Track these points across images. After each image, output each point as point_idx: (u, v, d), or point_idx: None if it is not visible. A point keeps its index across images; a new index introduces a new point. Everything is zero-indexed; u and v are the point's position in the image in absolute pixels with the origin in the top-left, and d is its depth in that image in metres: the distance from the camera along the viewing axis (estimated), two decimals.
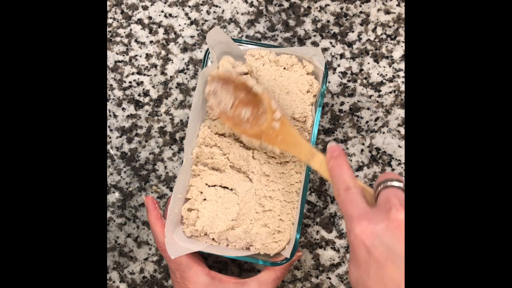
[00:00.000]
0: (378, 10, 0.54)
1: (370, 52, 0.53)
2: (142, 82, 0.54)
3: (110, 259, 0.54)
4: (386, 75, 0.53)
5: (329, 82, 0.53)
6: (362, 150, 0.53)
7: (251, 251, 0.46)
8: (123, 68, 0.54)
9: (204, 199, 0.47)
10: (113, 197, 0.54)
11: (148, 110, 0.54)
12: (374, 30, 0.54)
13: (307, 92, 0.47)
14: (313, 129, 0.45)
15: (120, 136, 0.54)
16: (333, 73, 0.53)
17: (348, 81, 0.53)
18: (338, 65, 0.54)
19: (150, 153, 0.54)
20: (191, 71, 0.54)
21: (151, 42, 0.55)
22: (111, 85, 0.54)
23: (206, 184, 0.47)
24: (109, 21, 0.55)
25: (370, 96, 0.53)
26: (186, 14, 0.55)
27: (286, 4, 0.54)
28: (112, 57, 0.55)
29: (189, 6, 0.55)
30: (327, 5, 0.54)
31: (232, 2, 0.54)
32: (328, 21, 0.54)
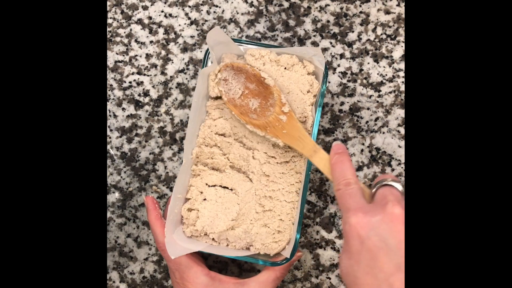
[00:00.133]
0: (378, 10, 0.54)
1: (370, 52, 0.53)
2: (142, 82, 0.54)
3: (110, 259, 0.54)
4: (386, 75, 0.53)
5: (329, 82, 0.53)
6: (362, 150, 0.53)
7: (251, 251, 0.46)
8: (123, 68, 0.54)
9: (204, 199, 0.47)
10: (113, 197, 0.54)
11: (148, 110, 0.54)
12: (374, 30, 0.54)
13: (308, 92, 0.47)
14: (313, 129, 0.45)
15: (120, 136, 0.54)
16: (333, 73, 0.53)
17: (348, 81, 0.53)
18: (338, 65, 0.54)
19: (150, 153, 0.54)
20: (191, 71, 0.54)
21: (151, 42, 0.55)
22: (111, 85, 0.54)
23: (206, 184, 0.47)
24: (109, 21, 0.55)
25: (370, 96, 0.53)
26: (186, 14, 0.55)
27: (286, 4, 0.54)
28: (112, 57, 0.55)
29: (189, 6, 0.55)
30: (327, 5, 0.54)
31: (232, 2, 0.54)
32: (328, 21, 0.54)
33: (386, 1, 0.54)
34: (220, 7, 0.55)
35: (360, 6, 0.54)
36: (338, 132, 0.53)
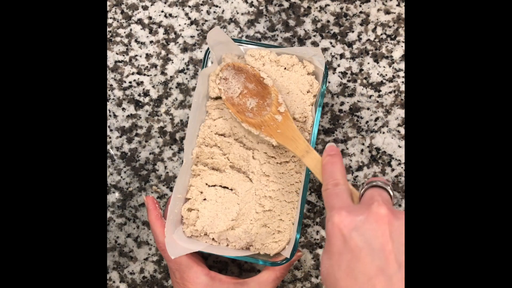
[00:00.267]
0: (378, 10, 0.54)
1: (370, 52, 0.53)
2: (142, 82, 0.54)
3: (110, 259, 0.54)
4: (386, 75, 0.53)
5: (329, 82, 0.53)
6: (362, 150, 0.53)
7: (251, 251, 0.46)
8: (123, 68, 0.54)
9: (204, 199, 0.47)
10: (113, 197, 0.54)
11: (148, 110, 0.54)
12: (374, 30, 0.54)
13: (307, 92, 0.47)
14: (313, 129, 0.45)
15: (120, 136, 0.54)
16: (333, 73, 0.53)
17: (348, 81, 0.53)
18: (338, 65, 0.54)
19: (150, 153, 0.54)
20: (191, 71, 0.54)
21: (151, 42, 0.55)
22: (111, 85, 0.54)
23: (206, 184, 0.47)
24: (109, 21, 0.55)
25: (370, 96, 0.53)
26: (186, 14, 0.55)
27: (286, 4, 0.54)
28: (112, 57, 0.55)
29: (189, 6, 0.55)
30: (327, 5, 0.54)
31: (232, 2, 0.54)
32: (328, 21, 0.54)
33: (386, 1, 0.54)
34: (220, 7, 0.55)
35: (360, 6, 0.54)
36: (338, 132, 0.53)
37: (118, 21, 0.55)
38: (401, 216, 0.34)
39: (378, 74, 0.53)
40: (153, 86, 0.54)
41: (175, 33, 0.55)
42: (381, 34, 0.54)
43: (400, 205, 0.53)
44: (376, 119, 0.53)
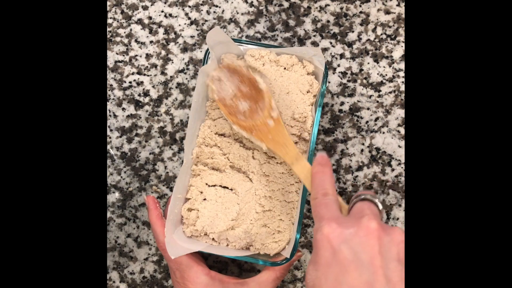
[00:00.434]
0: (378, 10, 0.54)
1: (370, 52, 0.53)
2: (142, 82, 0.54)
3: (110, 259, 0.54)
4: (386, 75, 0.53)
5: (329, 82, 0.53)
6: (362, 150, 0.53)
7: (251, 251, 0.46)
8: (123, 68, 0.54)
9: (204, 199, 0.47)
10: (113, 197, 0.54)
11: (148, 110, 0.54)
12: (374, 30, 0.54)
13: (307, 92, 0.47)
14: (313, 129, 0.45)
15: (120, 136, 0.54)
16: (333, 73, 0.53)
17: (348, 81, 0.53)
18: (338, 65, 0.54)
19: (150, 153, 0.54)
20: (191, 71, 0.54)
21: (151, 42, 0.55)
22: (111, 85, 0.54)
23: (206, 184, 0.47)
24: (109, 21, 0.55)
25: (370, 96, 0.53)
26: (186, 14, 0.55)
27: (286, 4, 0.54)
28: (112, 57, 0.55)
29: (189, 6, 0.55)
30: (327, 5, 0.54)
31: (232, 2, 0.54)
32: (328, 21, 0.54)
33: (386, 1, 0.54)
34: (220, 7, 0.55)
35: (360, 6, 0.54)
36: (338, 132, 0.53)
37: (118, 21, 0.55)
38: (391, 232, 0.33)
39: (378, 74, 0.53)
40: (153, 86, 0.54)
41: (175, 33, 0.55)
42: (381, 34, 0.54)
43: (400, 205, 0.53)
44: (376, 119, 0.53)
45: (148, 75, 0.54)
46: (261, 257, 0.46)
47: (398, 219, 0.53)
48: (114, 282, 0.54)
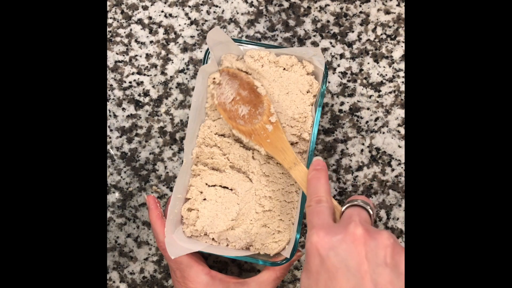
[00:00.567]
0: (378, 10, 0.54)
1: (370, 52, 0.53)
2: (142, 82, 0.54)
3: (110, 259, 0.54)
4: (386, 75, 0.53)
5: (329, 82, 0.53)
6: (362, 150, 0.53)
7: (251, 251, 0.46)
8: (123, 68, 0.54)
9: (204, 199, 0.47)
10: (113, 197, 0.54)
11: (148, 110, 0.54)
12: (374, 30, 0.54)
13: (307, 92, 0.47)
14: (313, 129, 0.45)
15: (120, 136, 0.54)
16: (333, 73, 0.53)
17: (348, 81, 0.53)
18: (338, 65, 0.54)
19: (150, 153, 0.54)
20: (191, 71, 0.54)
21: (151, 42, 0.55)
22: (111, 85, 0.54)
23: (206, 184, 0.47)
24: (109, 21, 0.55)
25: (370, 96, 0.53)
26: (186, 14, 0.55)
27: (286, 4, 0.54)
28: (112, 57, 0.55)
29: (189, 6, 0.55)
30: (327, 5, 0.54)
31: (232, 2, 0.54)
32: (328, 21, 0.54)
33: (386, 1, 0.54)
34: (220, 7, 0.55)
35: (360, 6, 0.54)
36: (338, 132, 0.53)
37: (118, 21, 0.55)
38: (377, 236, 0.34)
39: (378, 74, 0.53)
40: (153, 86, 0.54)
41: (175, 33, 0.55)
42: (381, 34, 0.54)
43: (400, 205, 0.53)
44: (376, 119, 0.53)
45: (148, 75, 0.54)
46: (261, 257, 0.46)
47: (398, 219, 0.53)
48: (114, 282, 0.54)
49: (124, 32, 0.55)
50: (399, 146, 0.53)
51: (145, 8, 0.55)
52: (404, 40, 0.53)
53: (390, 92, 0.53)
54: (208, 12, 0.55)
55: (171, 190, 0.54)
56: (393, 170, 0.53)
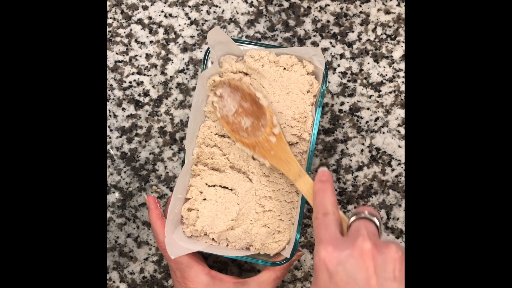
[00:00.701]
0: (378, 10, 0.54)
1: (370, 52, 0.53)
2: (142, 82, 0.54)
3: (110, 259, 0.54)
4: (386, 75, 0.53)
5: (329, 82, 0.53)
6: (362, 150, 0.53)
7: (251, 251, 0.46)
8: (123, 68, 0.54)
9: (204, 199, 0.47)
10: (113, 197, 0.54)
11: (148, 110, 0.54)
12: (374, 30, 0.54)
13: (307, 92, 0.47)
14: (313, 129, 0.45)
15: (120, 136, 0.54)
16: (333, 73, 0.53)
17: (348, 81, 0.53)
18: (338, 65, 0.54)
19: (150, 153, 0.54)
20: (191, 71, 0.54)
21: (151, 42, 0.55)
22: (111, 85, 0.54)
23: (206, 184, 0.47)
24: (109, 21, 0.55)
25: (370, 96, 0.53)
26: (186, 14, 0.55)
27: (286, 4, 0.54)
28: (112, 57, 0.55)
29: (189, 6, 0.55)
30: (327, 5, 0.54)
31: (232, 2, 0.54)
32: (328, 21, 0.54)
33: (386, 1, 0.54)
34: (220, 7, 0.55)
35: (360, 6, 0.54)
36: (338, 132, 0.53)
37: (118, 21, 0.55)
38: (386, 250, 0.34)
39: (378, 74, 0.53)
40: (153, 86, 0.54)
41: (175, 33, 0.55)
42: (381, 34, 0.54)
43: (400, 205, 0.53)
44: (376, 119, 0.53)
45: (148, 75, 0.54)
46: (261, 257, 0.46)
47: (398, 219, 0.53)
48: (114, 282, 0.54)
49: (124, 32, 0.55)
50: (399, 146, 0.53)
51: (145, 8, 0.55)
52: (404, 40, 0.53)
53: (390, 92, 0.53)
54: (208, 12, 0.55)
55: (171, 190, 0.54)
56: (393, 170, 0.53)
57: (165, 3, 0.55)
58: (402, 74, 0.53)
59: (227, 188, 0.47)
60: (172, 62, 0.54)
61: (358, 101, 0.53)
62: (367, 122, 0.53)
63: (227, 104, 0.46)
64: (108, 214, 0.54)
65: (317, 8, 0.54)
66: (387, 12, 0.54)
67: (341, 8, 0.54)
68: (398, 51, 0.53)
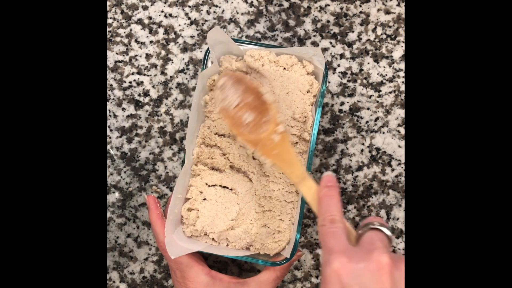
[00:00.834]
0: (378, 10, 0.54)
1: (370, 52, 0.53)
2: (142, 82, 0.54)
3: (110, 259, 0.54)
4: (386, 75, 0.53)
5: (329, 82, 0.53)
6: (362, 150, 0.53)
7: (251, 251, 0.46)
8: (123, 68, 0.54)
9: (204, 199, 0.47)
10: (113, 197, 0.54)
11: (148, 110, 0.54)
12: (374, 30, 0.54)
13: (307, 92, 0.47)
14: (313, 129, 0.45)
15: (120, 136, 0.54)
16: (333, 73, 0.53)
17: (348, 81, 0.53)
18: (338, 65, 0.54)
19: (150, 153, 0.54)
20: (191, 71, 0.54)
21: (151, 42, 0.55)
22: (111, 85, 0.54)
23: (206, 184, 0.47)
24: (109, 21, 0.55)
25: (370, 96, 0.53)
26: (186, 14, 0.55)
27: (286, 4, 0.54)
28: (112, 57, 0.55)
29: (189, 6, 0.55)
30: (327, 5, 0.54)
31: (232, 2, 0.54)
32: (328, 21, 0.54)
33: (386, 1, 0.54)
34: (220, 7, 0.55)
35: (360, 6, 0.54)
36: (338, 132, 0.53)
37: (118, 21, 0.55)
38: (402, 266, 0.33)
39: (378, 74, 0.53)
40: (153, 86, 0.54)
41: (175, 33, 0.55)
42: (381, 34, 0.54)
43: (400, 205, 0.53)
44: (376, 119, 0.53)
45: (148, 75, 0.54)
46: (261, 257, 0.46)
47: (398, 219, 0.53)
48: (114, 282, 0.54)
49: (124, 32, 0.55)
50: (399, 146, 0.53)
51: (145, 8, 0.55)
52: (404, 40, 0.53)
53: (390, 92, 0.53)
54: (208, 12, 0.55)
55: (171, 190, 0.54)
56: (393, 170, 0.53)
57: (165, 3, 0.55)
58: (402, 74, 0.53)
59: (227, 188, 0.47)
60: (172, 62, 0.54)
61: (358, 101, 0.53)
62: (367, 122, 0.53)
63: (229, 96, 0.43)
64: (108, 214, 0.54)
65: (317, 8, 0.54)
66: (387, 12, 0.54)
67: (341, 8, 0.54)
68: (398, 51, 0.53)
